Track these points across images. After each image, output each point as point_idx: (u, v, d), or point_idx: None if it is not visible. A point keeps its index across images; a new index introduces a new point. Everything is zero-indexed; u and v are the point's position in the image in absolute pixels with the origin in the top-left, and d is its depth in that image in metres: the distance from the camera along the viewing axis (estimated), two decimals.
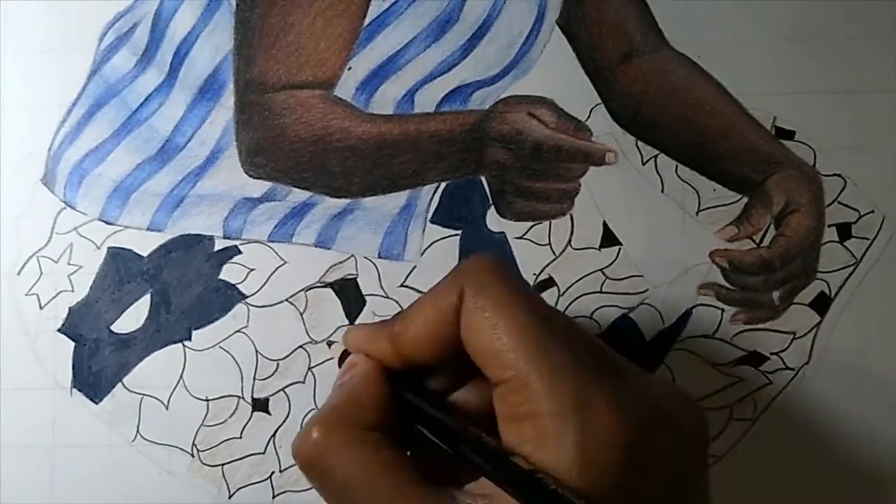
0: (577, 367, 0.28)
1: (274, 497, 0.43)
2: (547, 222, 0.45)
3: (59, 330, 0.44)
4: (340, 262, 0.45)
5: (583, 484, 0.26)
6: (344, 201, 0.45)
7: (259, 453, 0.44)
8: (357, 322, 0.44)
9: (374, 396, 0.31)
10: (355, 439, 0.29)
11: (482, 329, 0.28)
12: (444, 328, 0.30)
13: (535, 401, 0.27)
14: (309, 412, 0.44)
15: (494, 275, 0.30)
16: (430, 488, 0.29)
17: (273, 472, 0.43)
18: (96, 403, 0.44)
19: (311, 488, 0.43)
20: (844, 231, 0.45)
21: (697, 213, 0.45)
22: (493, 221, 0.45)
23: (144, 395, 0.44)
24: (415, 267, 0.45)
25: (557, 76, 0.46)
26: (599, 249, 0.45)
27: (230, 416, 0.44)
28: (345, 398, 0.31)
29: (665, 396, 0.29)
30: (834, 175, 0.45)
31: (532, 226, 0.45)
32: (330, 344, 0.44)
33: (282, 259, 0.45)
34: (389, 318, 0.33)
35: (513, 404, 0.28)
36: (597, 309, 0.44)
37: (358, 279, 0.45)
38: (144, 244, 0.45)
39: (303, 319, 0.44)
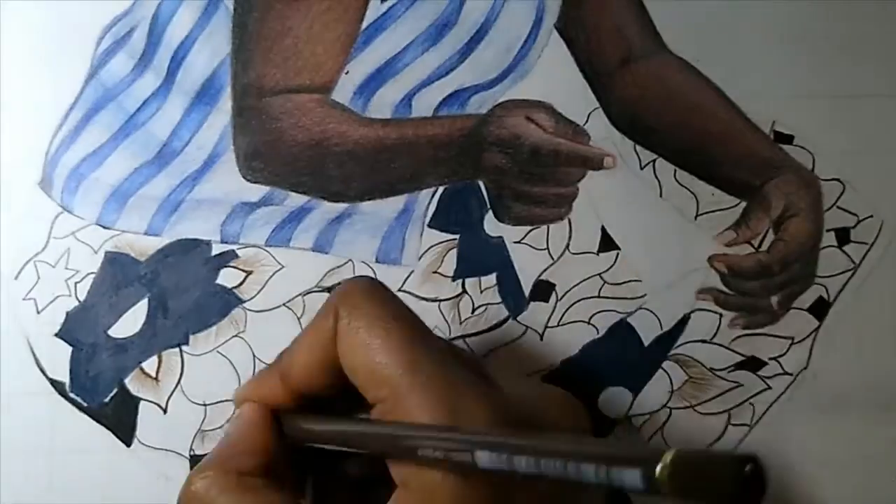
0: (449, 377, 0.28)
1: None
2: (545, 227, 0.45)
3: (56, 334, 0.44)
4: (338, 267, 0.45)
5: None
6: (341, 206, 0.45)
7: None
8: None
9: (255, 442, 0.31)
10: (235, 486, 0.30)
11: (357, 349, 0.29)
12: (326, 353, 0.30)
13: (410, 414, 0.27)
14: None
15: (366, 295, 0.30)
16: None
17: None
18: (94, 408, 0.44)
19: None
20: (843, 236, 0.45)
21: (696, 218, 0.45)
22: (491, 226, 0.45)
23: (142, 399, 0.44)
24: (412, 271, 0.45)
25: (555, 80, 0.45)
26: (598, 254, 0.44)
27: (227, 421, 0.44)
28: (225, 446, 0.32)
29: (543, 398, 0.29)
30: (833, 179, 0.45)
31: (530, 230, 0.45)
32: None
33: (279, 263, 0.45)
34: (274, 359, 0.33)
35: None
36: (595, 314, 0.44)
37: None
38: (142, 249, 0.45)
39: (300, 324, 0.44)
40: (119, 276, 0.45)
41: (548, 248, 0.45)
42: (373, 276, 0.44)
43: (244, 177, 0.45)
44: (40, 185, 0.45)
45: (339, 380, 0.31)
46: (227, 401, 0.44)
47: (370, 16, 0.45)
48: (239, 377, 0.44)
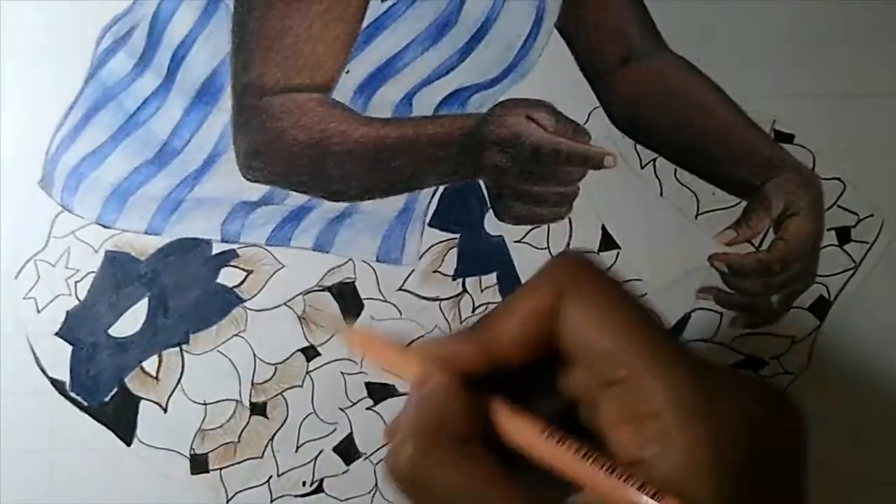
0: (687, 361, 0.27)
1: (272, 501, 0.43)
2: (545, 226, 0.45)
3: (56, 334, 0.44)
4: (338, 266, 0.45)
5: (715, 483, 0.25)
6: (342, 205, 0.45)
7: (257, 457, 0.43)
8: (355, 325, 0.44)
9: (463, 407, 0.30)
10: (455, 453, 0.28)
11: (589, 330, 0.28)
12: (540, 329, 0.29)
13: (654, 398, 0.26)
14: (307, 416, 0.44)
15: (595, 274, 0.29)
16: (546, 500, 0.28)
17: (271, 476, 0.43)
18: (94, 407, 0.44)
19: (309, 493, 0.43)
20: (844, 235, 0.45)
21: (696, 217, 0.45)
22: (492, 225, 0.45)
23: (142, 398, 0.44)
24: (413, 270, 0.45)
25: (556, 79, 0.45)
26: (598, 253, 0.44)
27: (228, 420, 0.44)
28: (434, 411, 0.30)
29: (771, 397, 0.28)
30: (833, 179, 0.45)
31: (530, 229, 0.45)
32: (342, 328, 0.44)
33: (280, 263, 0.45)
34: (460, 330, 0.32)
35: (629, 404, 0.27)
36: None
37: (356, 283, 0.45)
38: (142, 248, 0.45)
39: (301, 323, 0.44)
40: (119, 275, 0.45)
41: (548, 247, 0.45)
42: (376, 275, 0.44)
43: (244, 176, 0.45)
44: (40, 185, 0.45)
45: (541, 354, 0.29)
46: (227, 400, 0.44)
47: (370, 15, 0.45)
48: (239, 376, 0.44)
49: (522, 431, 0.29)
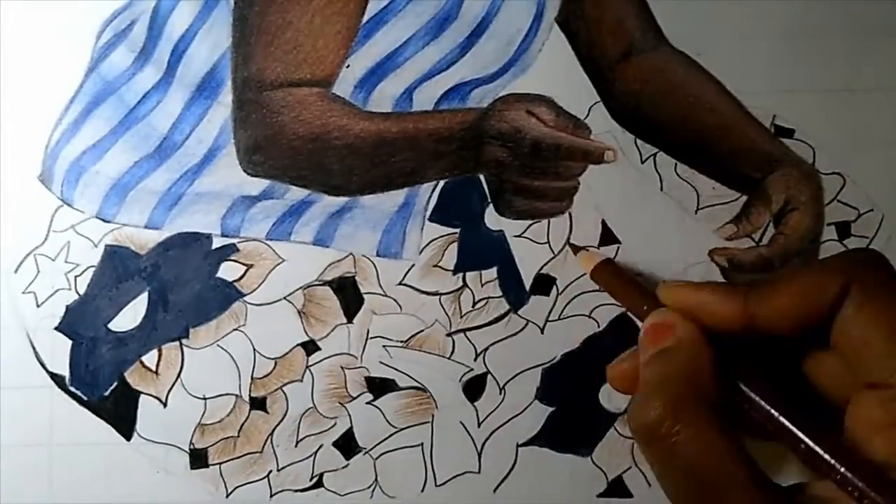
0: None
1: (272, 496, 0.43)
2: (545, 220, 0.45)
3: (56, 328, 0.44)
4: (339, 261, 0.45)
5: None
6: (342, 199, 0.45)
7: (257, 452, 0.43)
8: (355, 320, 0.44)
9: (712, 371, 0.28)
10: (705, 419, 0.27)
11: (872, 326, 0.27)
12: (813, 311, 0.28)
13: None
14: (307, 411, 0.44)
15: (886, 276, 0.29)
16: (776, 486, 0.27)
17: (271, 471, 0.43)
18: (94, 402, 0.44)
19: (309, 487, 0.43)
20: (844, 230, 0.45)
21: (696, 212, 0.45)
22: (492, 219, 0.45)
23: (142, 393, 0.44)
24: (413, 265, 0.45)
25: (556, 74, 0.45)
26: (598, 248, 0.44)
27: (228, 415, 0.44)
28: (686, 372, 0.28)
29: None
30: (833, 173, 0.45)
31: (530, 224, 0.45)
32: (576, 249, 0.43)
33: (280, 257, 0.45)
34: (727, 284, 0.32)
35: (894, 412, 0.26)
36: (596, 307, 0.44)
37: (356, 277, 0.44)
38: (142, 242, 0.45)
39: (301, 318, 0.44)
40: (119, 269, 0.45)
41: (548, 242, 0.45)
42: (377, 269, 0.44)
43: (245, 170, 0.45)
44: (40, 179, 0.45)
45: (801, 331, 0.29)
46: (227, 394, 0.44)
47: (371, 9, 0.45)
48: (239, 371, 0.44)
49: (774, 406, 0.28)
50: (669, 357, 0.29)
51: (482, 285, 0.44)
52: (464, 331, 0.44)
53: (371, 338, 0.44)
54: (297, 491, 0.43)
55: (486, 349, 0.44)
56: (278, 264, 0.45)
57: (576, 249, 0.41)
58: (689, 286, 0.31)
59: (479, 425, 0.43)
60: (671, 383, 0.28)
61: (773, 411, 0.28)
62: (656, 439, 0.27)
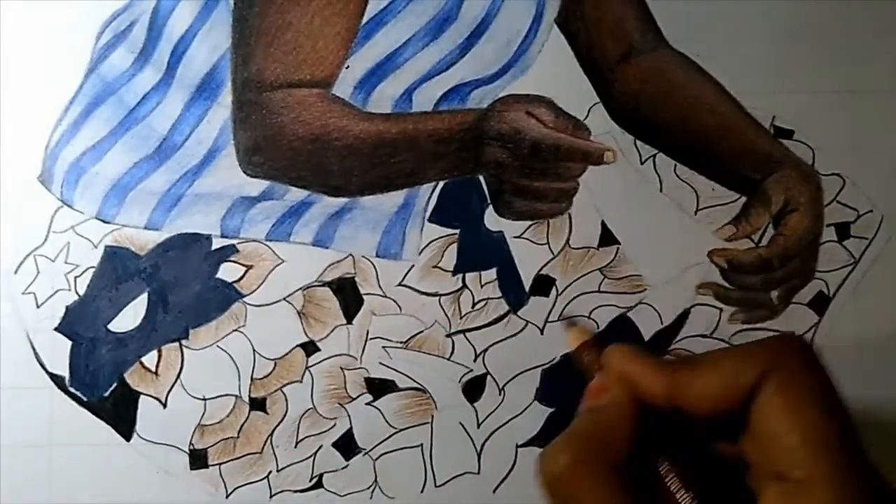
0: (863, 479, 0.28)
1: (271, 496, 0.43)
2: (545, 221, 0.45)
3: (56, 329, 0.44)
4: (338, 262, 0.45)
5: None
6: (342, 200, 0.45)
7: (256, 452, 0.43)
8: (355, 320, 0.44)
9: (627, 436, 0.30)
10: (604, 478, 0.29)
11: (782, 420, 0.28)
12: (732, 397, 0.29)
13: None
14: (306, 411, 0.44)
15: (808, 365, 0.29)
16: None
17: (270, 472, 0.43)
18: (93, 402, 0.44)
19: (309, 488, 0.43)
20: (843, 230, 0.45)
21: (696, 213, 0.45)
22: (492, 220, 0.45)
23: (141, 394, 0.44)
24: (413, 266, 0.45)
25: (556, 75, 0.45)
26: (598, 248, 0.44)
27: (227, 416, 0.44)
28: (600, 431, 0.30)
29: None
30: (833, 174, 0.45)
31: (530, 225, 0.45)
32: (570, 324, 0.44)
33: (279, 258, 0.45)
34: (666, 359, 0.33)
35: None
36: (595, 308, 0.44)
37: (356, 278, 0.45)
38: (142, 243, 0.45)
39: (300, 319, 0.44)
40: (119, 270, 0.45)
41: (548, 243, 0.45)
42: (376, 270, 0.44)
43: (244, 171, 0.45)
44: (40, 180, 0.45)
45: (719, 418, 0.30)
46: (226, 395, 0.44)
47: (370, 10, 0.45)
48: (239, 372, 0.44)
49: (682, 485, 0.30)
50: (593, 416, 0.31)
51: (482, 286, 0.44)
52: (463, 332, 0.44)
53: (371, 338, 0.44)
54: (296, 491, 0.43)
55: (486, 350, 0.44)
56: (278, 265, 0.45)
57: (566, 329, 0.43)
58: (630, 355, 0.33)
59: (478, 426, 0.44)
60: (583, 439, 0.30)
61: (677, 492, 0.30)
62: (557, 487, 0.29)
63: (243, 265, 0.45)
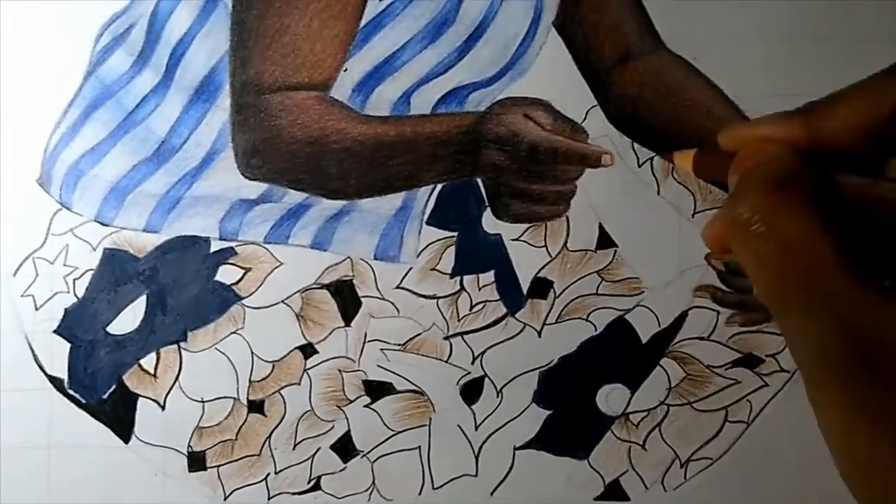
0: None
1: (269, 499, 0.43)
2: (543, 224, 0.45)
3: (54, 331, 0.44)
4: (336, 264, 0.45)
5: None
6: (340, 203, 0.45)
7: (255, 455, 0.44)
8: (353, 322, 0.44)
9: (802, 164, 0.26)
10: (806, 197, 0.25)
11: None
12: (880, 118, 0.25)
13: None
14: (304, 414, 0.44)
15: None
16: (878, 280, 0.25)
17: (269, 474, 0.43)
18: (92, 405, 0.44)
19: (307, 490, 0.43)
20: None
21: (693, 216, 0.45)
22: (489, 223, 0.45)
23: (140, 396, 0.44)
24: (411, 268, 0.45)
25: (554, 78, 0.45)
26: (595, 251, 0.45)
27: (226, 418, 0.44)
28: (776, 165, 0.26)
29: None
30: None
31: (528, 227, 0.45)
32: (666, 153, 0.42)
33: (278, 261, 0.45)
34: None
35: None
36: (593, 311, 0.44)
37: (354, 281, 0.45)
38: (140, 245, 0.45)
39: (299, 321, 0.44)
40: (117, 272, 0.45)
41: (546, 246, 0.45)
42: (374, 273, 0.45)
43: (243, 174, 0.45)
44: (39, 182, 0.45)
45: (869, 142, 0.28)
46: (224, 398, 0.44)
47: (369, 13, 0.46)
48: (237, 374, 0.44)
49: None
50: (757, 167, 0.27)
51: (479, 289, 0.44)
52: (461, 334, 0.44)
53: (368, 341, 0.44)
54: (294, 494, 0.43)
55: (484, 352, 0.44)
56: (276, 268, 0.45)
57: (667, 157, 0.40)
58: (745, 125, 0.30)
59: (476, 428, 0.44)
60: (764, 179, 0.26)
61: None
62: (756, 224, 0.25)
63: (242, 267, 0.45)
